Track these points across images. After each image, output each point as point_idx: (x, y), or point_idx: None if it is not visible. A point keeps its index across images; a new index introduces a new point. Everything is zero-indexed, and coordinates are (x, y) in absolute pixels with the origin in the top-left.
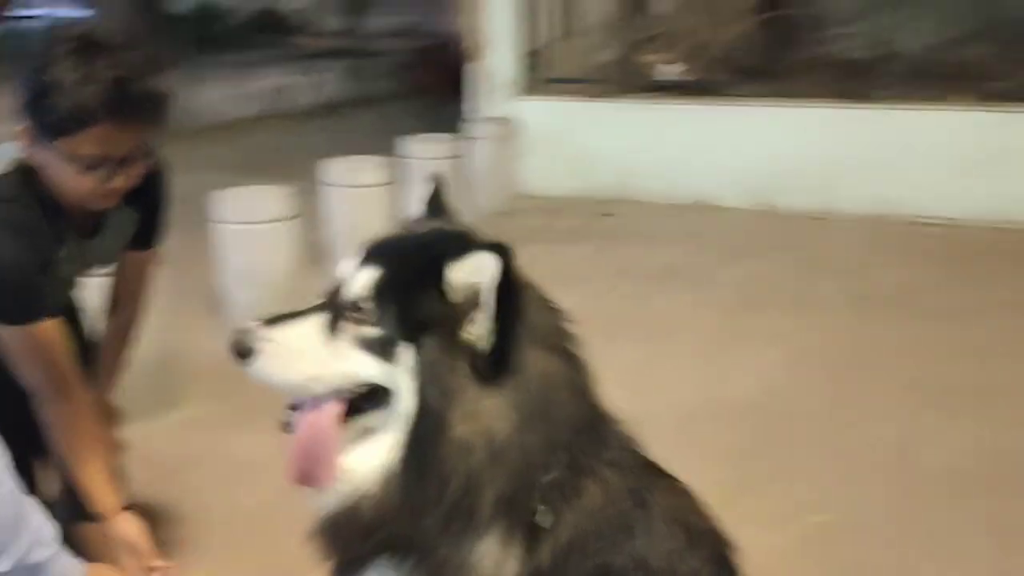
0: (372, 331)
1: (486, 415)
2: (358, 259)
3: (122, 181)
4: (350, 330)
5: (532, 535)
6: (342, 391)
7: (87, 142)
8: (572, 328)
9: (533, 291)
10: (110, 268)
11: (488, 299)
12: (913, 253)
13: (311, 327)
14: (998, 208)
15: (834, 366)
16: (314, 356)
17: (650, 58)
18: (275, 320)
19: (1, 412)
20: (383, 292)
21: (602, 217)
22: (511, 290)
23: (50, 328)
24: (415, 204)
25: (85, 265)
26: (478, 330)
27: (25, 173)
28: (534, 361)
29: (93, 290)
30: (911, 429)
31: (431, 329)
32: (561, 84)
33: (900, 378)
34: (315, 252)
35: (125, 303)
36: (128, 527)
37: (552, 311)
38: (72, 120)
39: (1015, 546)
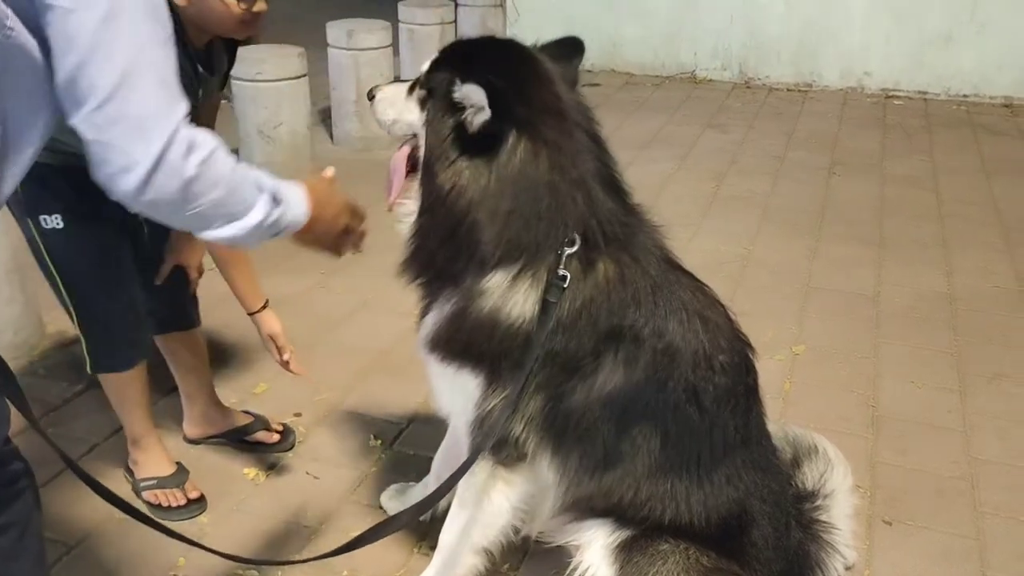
0: (421, 92)
1: (462, 169)
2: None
3: (263, 5)
4: (416, 92)
5: (551, 289)
6: (408, 137)
7: None
8: (593, 118)
9: (546, 84)
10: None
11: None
12: (882, 124)
13: (401, 87)
14: (966, 82)
15: (808, 224)
16: (397, 104)
17: None
18: (392, 82)
19: None
20: (432, 69)
21: (587, 86)
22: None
23: None
24: (408, 67)
25: (204, 98)
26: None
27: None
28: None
29: None
30: (877, 277)
31: (435, 94)
32: None
33: (867, 234)
34: (319, 113)
35: None
36: (270, 320)
37: (582, 107)
38: None
39: (964, 369)
